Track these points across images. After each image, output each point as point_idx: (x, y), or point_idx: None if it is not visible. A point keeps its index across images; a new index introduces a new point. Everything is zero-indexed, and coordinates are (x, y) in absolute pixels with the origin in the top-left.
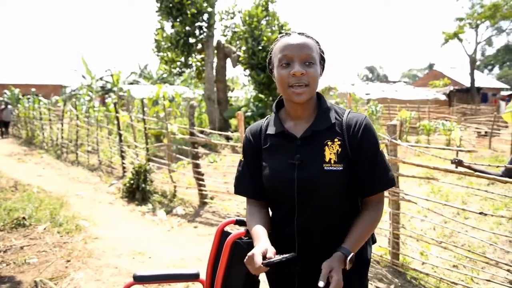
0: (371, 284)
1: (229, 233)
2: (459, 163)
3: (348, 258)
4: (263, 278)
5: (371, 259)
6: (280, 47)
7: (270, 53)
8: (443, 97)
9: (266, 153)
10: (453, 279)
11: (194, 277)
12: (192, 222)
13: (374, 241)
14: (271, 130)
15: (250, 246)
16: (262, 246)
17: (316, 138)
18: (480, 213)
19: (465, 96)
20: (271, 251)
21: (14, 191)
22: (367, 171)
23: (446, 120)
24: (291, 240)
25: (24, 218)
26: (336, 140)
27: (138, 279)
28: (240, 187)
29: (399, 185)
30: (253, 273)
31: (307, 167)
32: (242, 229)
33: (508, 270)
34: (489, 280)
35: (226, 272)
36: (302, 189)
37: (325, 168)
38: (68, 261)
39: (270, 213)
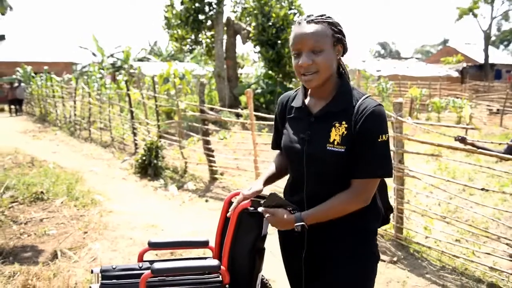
0: None
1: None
2: (462, 140)
3: (295, 224)
4: (269, 247)
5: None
6: (291, 38)
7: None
8: (456, 74)
9: (288, 122)
10: (455, 252)
11: (204, 244)
12: (202, 197)
13: (387, 221)
14: (294, 103)
15: (256, 215)
16: (251, 188)
17: (328, 118)
18: (482, 189)
19: (479, 73)
20: (252, 190)
21: (31, 167)
22: (360, 155)
23: (457, 98)
24: (302, 209)
25: (42, 192)
26: (343, 123)
27: (153, 245)
28: (272, 143)
29: (405, 161)
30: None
31: (314, 143)
32: (247, 201)
33: (507, 244)
34: (489, 254)
35: (233, 240)
36: (309, 163)
37: (328, 148)
38: (85, 232)
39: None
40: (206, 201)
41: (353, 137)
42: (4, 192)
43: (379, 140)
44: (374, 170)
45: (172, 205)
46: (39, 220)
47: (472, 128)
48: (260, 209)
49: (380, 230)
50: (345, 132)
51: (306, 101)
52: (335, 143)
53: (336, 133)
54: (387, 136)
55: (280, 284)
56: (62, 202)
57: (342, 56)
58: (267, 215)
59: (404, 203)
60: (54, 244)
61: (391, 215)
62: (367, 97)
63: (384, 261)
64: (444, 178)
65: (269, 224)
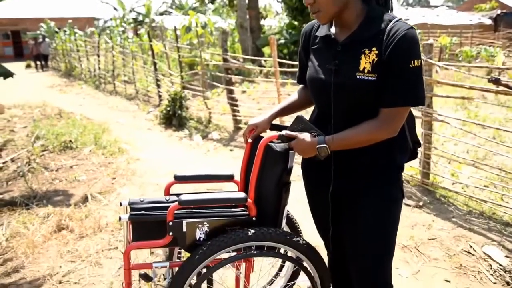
0: None
1: (262, 137)
2: (496, 81)
3: (317, 146)
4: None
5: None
6: None
7: None
8: (489, 22)
9: (313, 53)
10: (482, 197)
11: (230, 178)
12: (227, 146)
13: (414, 156)
14: (319, 32)
15: (282, 148)
16: (260, 118)
17: (356, 45)
18: None
19: None
20: (262, 124)
21: (59, 118)
22: (390, 82)
23: (490, 46)
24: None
25: (70, 141)
26: (374, 49)
27: (179, 178)
28: (297, 78)
29: (433, 106)
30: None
31: (342, 73)
32: (274, 133)
33: None
34: None
35: (260, 173)
36: (337, 94)
37: (358, 76)
38: (114, 178)
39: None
40: (231, 150)
41: (384, 63)
42: (35, 141)
43: (411, 65)
44: (405, 98)
45: (197, 154)
46: (69, 167)
47: (507, 68)
48: (284, 132)
49: (406, 176)
50: (376, 59)
51: (332, 29)
52: (366, 71)
53: (366, 61)
54: (419, 62)
55: (306, 228)
56: (90, 151)
57: None
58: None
59: (432, 147)
60: (84, 189)
61: (418, 160)
62: (398, 20)
63: (410, 205)
64: (475, 121)
65: (295, 158)
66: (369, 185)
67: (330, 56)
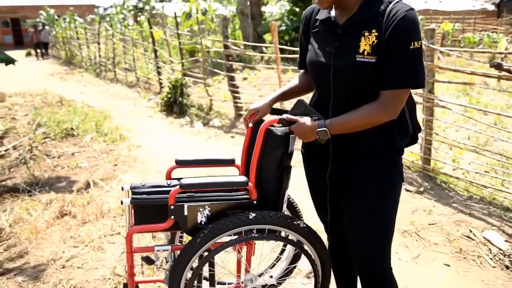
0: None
1: (262, 121)
2: (498, 66)
3: (317, 129)
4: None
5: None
6: None
7: None
8: (492, 8)
9: (313, 37)
10: (483, 183)
11: (231, 162)
12: (228, 133)
13: (415, 141)
14: (319, 16)
15: (283, 132)
16: (260, 102)
17: (356, 28)
18: None
19: None
20: (263, 108)
21: (60, 106)
22: (390, 64)
23: (493, 32)
24: None
25: (72, 128)
26: (373, 31)
27: (180, 163)
28: (298, 63)
29: (435, 92)
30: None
31: (342, 56)
32: (275, 117)
33: None
34: None
35: (260, 156)
36: (336, 77)
37: (357, 59)
38: (116, 165)
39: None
40: (232, 137)
41: (384, 45)
42: (36, 129)
43: (411, 47)
44: (405, 80)
45: (198, 141)
46: (71, 154)
47: (508, 53)
48: (284, 115)
49: (407, 161)
50: (376, 41)
51: (332, 12)
52: (365, 53)
53: (366, 43)
54: (419, 43)
55: (307, 212)
56: (91, 138)
57: None
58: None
59: (433, 133)
60: (86, 176)
61: (419, 146)
62: (398, 1)
63: (411, 191)
64: (476, 107)
65: (295, 142)
66: (368, 168)
67: (330, 39)
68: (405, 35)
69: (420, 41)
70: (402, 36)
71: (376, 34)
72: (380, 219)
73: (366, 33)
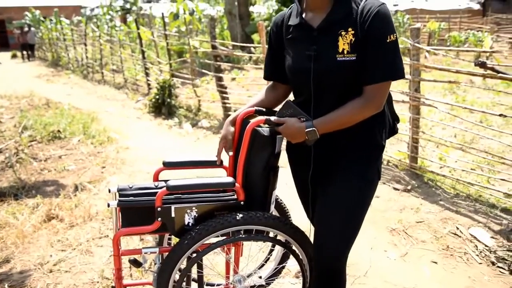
0: (389, 186)
1: (249, 121)
2: (482, 64)
3: (306, 130)
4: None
5: (390, 163)
6: None
7: None
8: (477, 7)
9: (288, 43)
10: (469, 180)
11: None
12: (217, 133)
13: (394, 132)
14: (292, 21)
15: (269, 132)
16: (224, 129)
17: (332, 28)
18: (500, 115)
19: (502, 6)
20: (228, 132)
21: (46, 108)
22: (369, 59)
23: (478, 31)
24: None
25: (59, 131)
26: (350, 29)
27: (167, 164)
28: (264, 71)
29: (421, 91)
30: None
31: (322, 58)
32: (261, 117)
33: None
34: (504, 180)
35: (247, 157)
36: (318, 79)
37: (338, 58)
38: (103, 167)
39: (292, 99)
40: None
41: (361, 42)
42: (22, 132)
43: (388, 40)
44: (386, 73)
45: (187, 142)
46: (58, 157)
47: (492, 52)
48: (273, 118)
49: (395, 160)
50: (353, 39)
51: (304, 16)
52: (345, 52)
53: (344, 42)
54: (395, 36)
55: (296, 213)
56: (79, 140)
57: None
58: (279, 125)
59: (420, 132)
60: (74, 178)
61: (406, 144)
62: None
63: (398, 189)
64: (461, 105)
65: (283, 142)
66: (348, 163)
67: (308, 43)
68: (381, 31)
69: (395, 34)
70: (378, 32)
71: (353, 32)
72: (348, 214)
73: (343, 32)
